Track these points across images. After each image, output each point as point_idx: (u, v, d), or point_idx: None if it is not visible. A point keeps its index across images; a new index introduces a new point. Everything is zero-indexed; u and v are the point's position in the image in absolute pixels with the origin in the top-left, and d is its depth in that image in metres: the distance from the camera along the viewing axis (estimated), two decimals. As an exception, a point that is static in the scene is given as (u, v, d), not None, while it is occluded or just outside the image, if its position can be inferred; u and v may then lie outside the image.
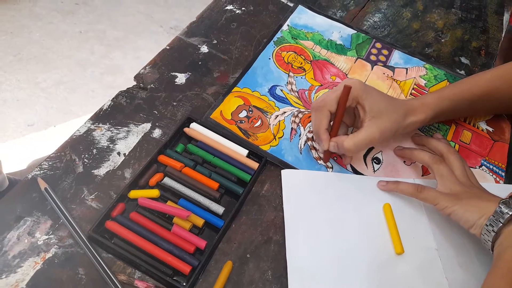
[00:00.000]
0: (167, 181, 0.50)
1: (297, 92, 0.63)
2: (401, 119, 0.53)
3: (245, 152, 0.54)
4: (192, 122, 0.56)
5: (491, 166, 0.58)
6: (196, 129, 0.55)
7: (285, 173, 0.54)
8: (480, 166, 0.58)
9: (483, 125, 0.63)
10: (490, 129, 0.63)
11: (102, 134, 0.54)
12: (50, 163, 0.51)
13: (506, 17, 0.88)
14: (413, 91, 0.66)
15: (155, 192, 0.48)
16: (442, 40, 0.79)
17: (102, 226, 0.46)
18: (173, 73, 0.63)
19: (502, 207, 0.42)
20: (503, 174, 0.58)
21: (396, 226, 0.50)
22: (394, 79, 0.68)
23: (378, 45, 0.73)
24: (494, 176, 0.57)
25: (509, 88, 0.58)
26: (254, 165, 0.53)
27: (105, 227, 0.46)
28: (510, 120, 0.65)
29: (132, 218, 0.47)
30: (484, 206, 0.43)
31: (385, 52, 0.72)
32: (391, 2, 0.85)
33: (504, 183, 0.57)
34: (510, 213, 0.41)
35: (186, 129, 0.55)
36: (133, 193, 0.48)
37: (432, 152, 0.54)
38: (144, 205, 0.47)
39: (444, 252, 0.49)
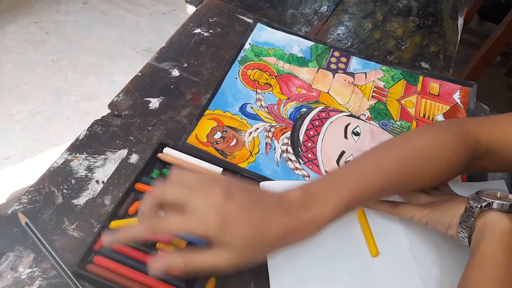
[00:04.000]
0: None
1: (267, 107, 0.66)
2: (274, 245, 0.39)
3: (219, 170, 0.56)
4: (165, 147, 0.57)
5: None
6: (170, 154, 0.57)
7: (263, 185, 0.56)
8: None
9: (440, 118, 0.67)
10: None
11: (80, 163, 0.55)
12: (29, 196, 0.52)
13: (460, 21, 0.93)
14: (374, 94, 0.70)
15: (135, 221, 0.49)
16: (403, 47, 0.83)
17: (85, 260, 0.46)
18: (146, 99, 0.65)
19: (471, 202, 0.44)
20: None
21: (371, 230, 0.52)
22: (355, 85, 0.71)
23: (336, 53, 0.76)
24: None
25: (418, 170, 0.47)
26: None
27: (94, 263, 0.46)
28: (466, 109, 0.69)
29: (115, 249, 0.48)
30: (456, 207, 0.46)
31: (343, 59, 0.76)
32: (353, 14, 0.89)
33: None
34: (479, 206, 0.43)
35: (159, 155, 0.56)
36: (114, 224, 0.49)
37: None
38: None
39: (417, 251, 0.51)
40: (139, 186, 0.53)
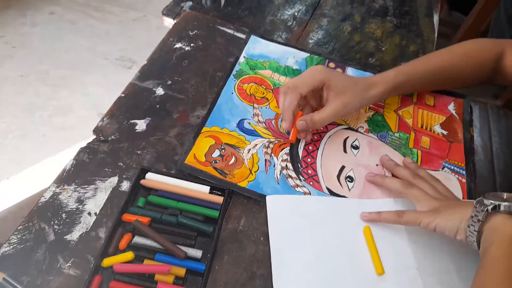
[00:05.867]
0: (138, 239, 0.50)
1: (264, 122, 0.65)
2: (363, 93, 0.60)
3: (206, 189, 0.55)
4: (147, 172, 0.55)
5: (452, 167, 0.62)
6: (153, 179, 0.55)
7: (269, 199, 0.55)
8: (442, 168, 0.62)
9: (438, 129, 0.67)
10: (445, 132, 0.67)
11: (69, 196, 0.53)
12: (18, 236, 0.49)
13: (436, 18, 0.95)
14: (371, 105, 0.69)
15: (129, 255, 0.47)
16: (383, 49, 0.84)
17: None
18: (132, 121, 0.63)
19: (477, 206, 0.44)
20: (464, 172, 0.62)
21: (376, 247, 0.52)
22: None
23: (332, 64, 0.76)
24: (457, 176, 0.61)
25: (460, 61, 0.65)
26: (219, 199, 0.54)
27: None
28: (461, 119, 0.70)
29: (112, 288, 0.46)
30: (463, 211, 0.46)
31: (339, 70, 0.75)
32: (331, 18, 0.89)
33: (466, 180, 0.61)
34: (485, 209, 0.43)
35: (142, 181, 0.55)
36: (107, 261, 0.47)
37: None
38: (121, 270, 0.47)
39: (424, 270, 0.51)
40: (126, 217, 0.51)
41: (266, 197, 0.55)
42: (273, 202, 0.55)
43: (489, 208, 0.43)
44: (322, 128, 0.65)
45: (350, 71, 0.75)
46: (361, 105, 0.61)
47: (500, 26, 1.43)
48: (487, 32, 2.03)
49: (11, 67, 1.82)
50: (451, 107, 0.71)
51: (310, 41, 0.82)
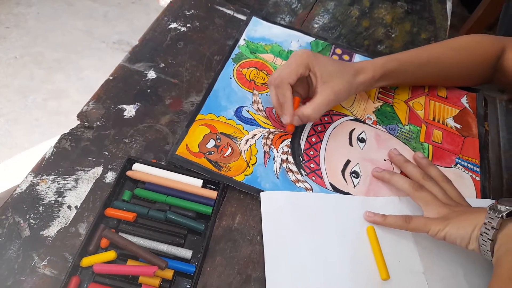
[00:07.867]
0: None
1: (264, 111, 0.60)
2: (352, 78, 0.56)
3: (199, 182, 0.50)
4: (134, 163, 0.51)
5: (465, 164, 0.58)
6: (140, 170, 0.50)
7: (264, 195, 0.50)
8: (455, 165, 0.58)
9: (451, 122, 0.63)
10: (458, 126, 0.63)
11: (48, 187, 0.49)
12: (-11, 230, 0.45)
13: (449, 5, 0.89)
14: (379, 95, 0.65)
15: (111, 254, 0.43)
16: (393, 35, 0.78)
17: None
18: (120, 106, 0.58)
19: (491, 212, 0.41)
20: (478, 170, 0.58)
21: (381, 250, 0.47)
22: None
23: (338, 50, 0.70)
24: (470, 173, 0.57)
25: (457, 55, 0.61)
26: (213, 194, 0.49)
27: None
28: (475, 113, 0.65)
29: (94, 289, 0.41)
30: (474, 218, 0.42)
31: (346, 57, 0.70)
32: (338, 1, 0.83)
33: (480, 178, 0.56)
34: (500, 216, 0.40)
35: (129, 173, 0.50)
36: (86, 261, 0.43)
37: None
38: (102, 271, 0.42)
39: (431, 275, 0.47)
40: (110, 212, 0.46)
41: (261, 193, 0.50)
42: (268, 199, 0.50)
43: (504, 214, 0.39)
44: (326, 119, 0.60)
45: (358, 58, 0.70)
46: (349, 93, 0.56)
47: (508, 22, 1.38)
48: (494, 28, 1.97)
49: (5, 48, 1.76)
50: (464, 100, 0.66)
51: (316, 25, 0.77)
